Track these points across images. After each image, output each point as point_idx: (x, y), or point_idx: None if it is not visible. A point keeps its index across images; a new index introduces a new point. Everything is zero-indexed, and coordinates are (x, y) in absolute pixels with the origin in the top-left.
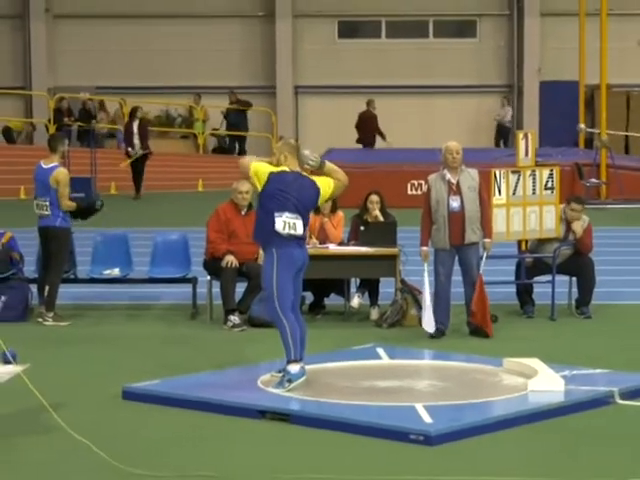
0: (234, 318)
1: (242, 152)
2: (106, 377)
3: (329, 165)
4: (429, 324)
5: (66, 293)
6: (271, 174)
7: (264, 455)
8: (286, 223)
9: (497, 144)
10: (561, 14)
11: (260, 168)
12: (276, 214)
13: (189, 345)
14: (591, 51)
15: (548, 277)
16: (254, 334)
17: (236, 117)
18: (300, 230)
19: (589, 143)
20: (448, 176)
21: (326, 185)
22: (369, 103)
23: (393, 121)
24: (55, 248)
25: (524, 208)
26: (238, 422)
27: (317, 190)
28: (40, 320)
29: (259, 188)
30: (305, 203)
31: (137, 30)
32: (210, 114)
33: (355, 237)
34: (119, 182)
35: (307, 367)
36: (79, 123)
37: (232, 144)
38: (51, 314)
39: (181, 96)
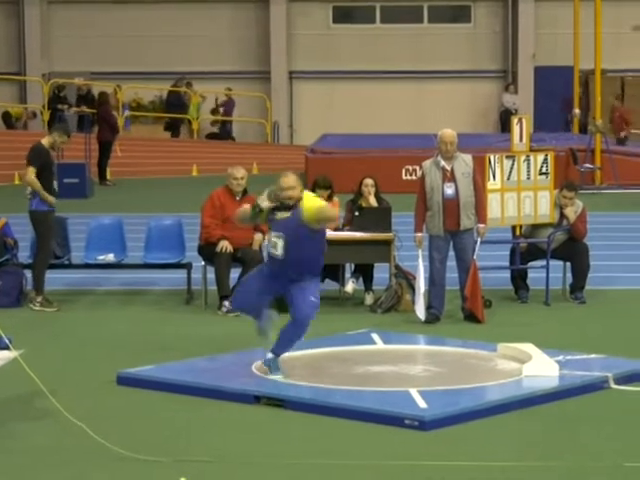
0: (228, 304)
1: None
2: (101, 362)
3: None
4: (421, 311)
5: (60, 279)
6: None
7: (259, 440)
8: None
9: (504, 129)
10: None
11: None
12: None
13: (184, 330)
14: (586, 36)
15: (542, 262)
16: (248, 320)
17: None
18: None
19: (584, 128)
20: (442, 163)
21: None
22: None
23: (387, 106)
24: (37, 232)
25: (518, 193)
26: (233, 407)
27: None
28: (31, 305)
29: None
30: None
31: (132, 16)
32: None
33: (350, 222)
34: (114, 168)
35: (301, 352)
36: (74, 109)
37: (225, 129)
38: (39, 299)
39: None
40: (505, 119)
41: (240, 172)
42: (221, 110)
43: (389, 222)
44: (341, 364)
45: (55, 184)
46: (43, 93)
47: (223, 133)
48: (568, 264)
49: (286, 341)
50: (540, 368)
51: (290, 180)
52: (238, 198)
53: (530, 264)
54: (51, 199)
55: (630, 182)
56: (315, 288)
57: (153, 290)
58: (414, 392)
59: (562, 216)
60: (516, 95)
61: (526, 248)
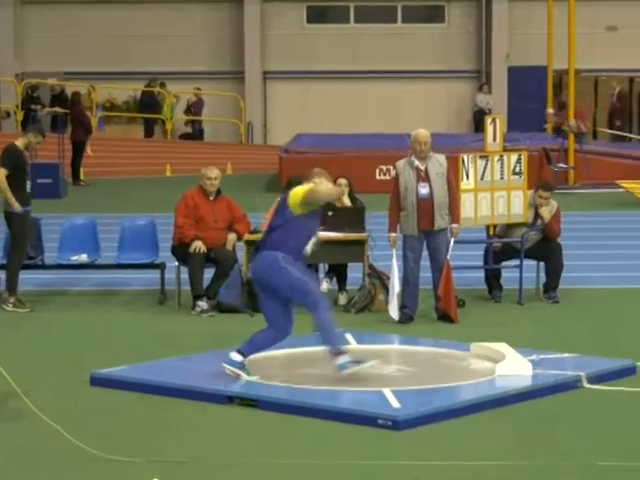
0: (202, 304)
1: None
2: (74, 363)
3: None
4: (394, 311)
5: (34, 279)
6: None
7: (233, 440)
8: None
9: (477, 129)
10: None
11: None
12: None
13: (157, 331)
14: (559, 36)
15: (516, 262)
16: (222, 319)
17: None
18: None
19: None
20: (416, 163)
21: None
22: None
23: (361, 106)
24: (12, 232)
25: (492, 193)
26: (207, 408)
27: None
28: (3, 306)
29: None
30: None
31: (105, 16)
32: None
33: (323, 222)
34: (87, 168)
35: (275, 352)
36: (48, 109)
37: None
38: (12, 299)
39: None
40: (479, 119)
41: (214, 172)
42: (192, 110)
43: (363, 222)
44: (314, 364)
45: (29, 185)
46: (16, 93)
47: (196, 133)
48: (542, 264)
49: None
50: (513, 367)
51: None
52: (212, 198)
53: (504, 264)
54: (17, 205)
55: (603, 181)
56: None
57: (126, 290)
58: (387, 392)
59: (536, 216)
60: (490, 95)
61: (500, 248)
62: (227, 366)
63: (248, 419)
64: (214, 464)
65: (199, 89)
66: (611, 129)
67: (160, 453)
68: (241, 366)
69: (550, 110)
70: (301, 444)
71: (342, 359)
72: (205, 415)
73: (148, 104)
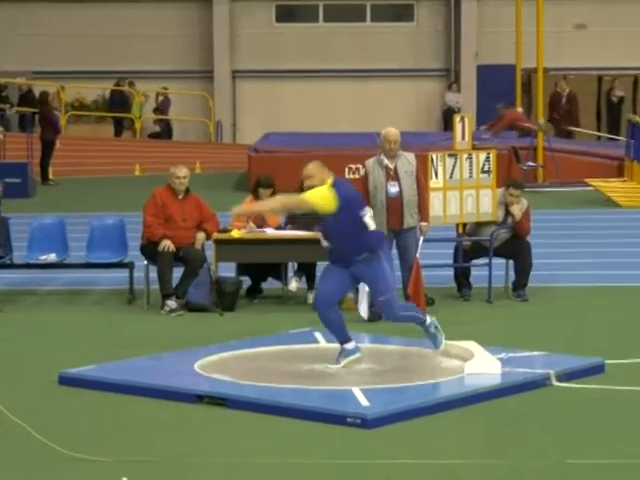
0: (171, 303)
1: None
2: (43, 362)
3: None
4: (364, 310)
5: (2, 279)
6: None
7: (201, 439)
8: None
9: (447, 128)
10: None
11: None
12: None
13: (126, 330)
14: (528, 35)
15: (485, 260)
16: (191, 319)
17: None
18: None
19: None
20: (386, 161)
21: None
22: None
23: (331, 105)
24: None
25: (461, 192)
26: (176, 407)
27: None
28: None
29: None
30: None
31: (74, 15)
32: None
33: (292, 221)
34: (56, 167)
35: (244, 351)
36: (16, 108)
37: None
38: None
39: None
40: (448, 118)
41: (182, 171)
42: (160, 109)
43: None
44: (284, 363)
45: None
46: None
47: (165, 132)
48: (511, 262)
49: None
50: (482, 366)
51: (307, 169)
52: (180, 197)
53: (473, 262)
54: None
55: (572, 180)
56: None
57: (95, 290)
58: (357, 390)
59: (507, 214)
60: (459, 94)
61: (469, 246)
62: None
63: (217, 418)
64: (182, 463)
65: (166, 88)
66: (560, 132)
67: (129, 452)
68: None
69: (519, 109)
70: (270, 443)
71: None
72: (174, 414)
73: (118, 103)
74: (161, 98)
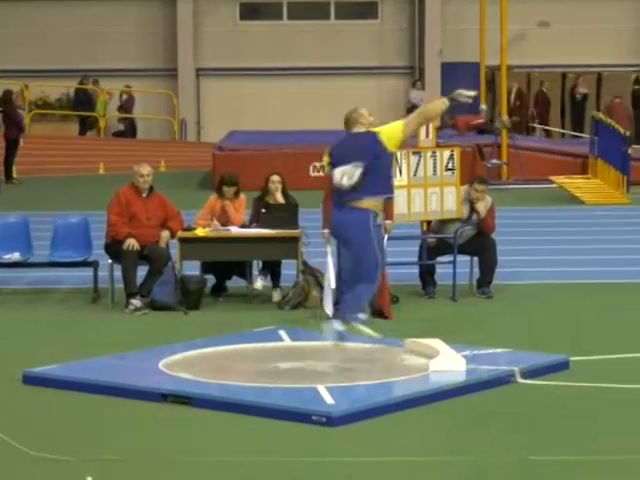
0: (136, 302)
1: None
2: (6, 361)
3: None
4: (329, 307)
5: None
6: None
7: (165, 438)
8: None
9: None
10: None
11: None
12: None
13: (90, 329)
14: (492, 32)
15: (450, 257)
16: (156, 317)
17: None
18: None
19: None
20: None
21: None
22: None
23: (295, 103)
24: None
25: (425, 189)
26: (140, 405)
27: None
28: None
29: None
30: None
31: (37, 13)
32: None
33: (257, 219)
34: (20, 166)
35: (209, 349)
36: None
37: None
38: None
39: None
40: None
41: (146, 169)
42: (124, 107)
43: (296, 219)
44: (249, 361)
45: None
46: None
47: (129, 131)
48: (475, 259)
49: None
50: (447, 363)
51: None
52: (145, 195)
53: (438, 259)
54: None
55: (536, 177)
56: None
57: (60, 289)
58: (322, 388)
59: (471, 211)
60: (423, 91)
61: (434, 244)
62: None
63: (181, 417)
64: (148, 462)
65: (130, 86)
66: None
67: (93, 451)
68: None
69: (483, 106)
70: (234, 441)
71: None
72: (138, 413)
73: (82, 102)
74: (125, 96)
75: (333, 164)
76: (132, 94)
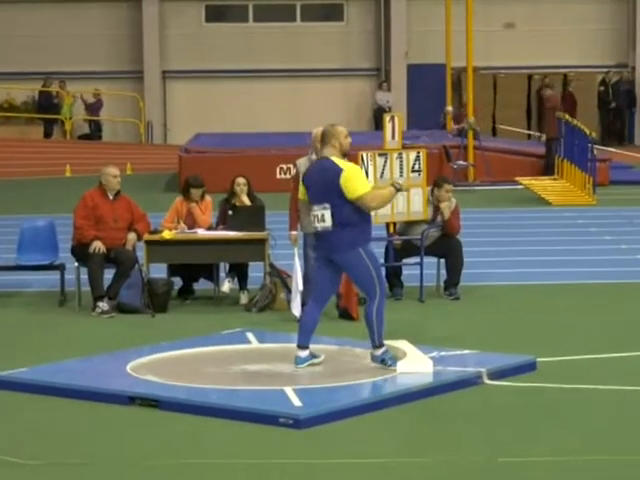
0: (103, 304)
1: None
2: None
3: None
4: (297, 309)
5: None
6: None
7: (133, 441)
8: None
9: (377, 127)
10: None
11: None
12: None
13: (58, 332)
14: (458, 34)
15: (417, 259)
16: (123, 320)
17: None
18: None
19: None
20: None
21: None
22: None
23: (262, 105)
24: None
25: None
26: (108, 409)
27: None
28: None
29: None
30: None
31: (2, 15)
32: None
33: (223, 222)
34: None
35: (176, 352)
36: None
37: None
38: None
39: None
40: (379, 117)
41: (117, 170)
42: (90, 110)
43: (263, 221)
44: (216, 364)
45: None
46: None
47: (94, 133)
48: (442, 261)
49: None
50: (414, 365)
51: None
52: (111, 198)
53: (404, 261)
54: None
55: (502, 178)
56: None
57: (26, 292)
58: (289, 390)
59: (436, 212)
60: (389, 93)
61: (400, 245)
62: (301, 366)
63: (149, 419)
64: (113, 465)
65: (98, 90)
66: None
67: (61, 455)
68: (311, 357)
69: (449, 108)
70: (202, 444)
71: (382, 351)
72: (106, 416)
73: (45, 104)
74: (90, 99)
75: (309, 198)
76: (100, 97)
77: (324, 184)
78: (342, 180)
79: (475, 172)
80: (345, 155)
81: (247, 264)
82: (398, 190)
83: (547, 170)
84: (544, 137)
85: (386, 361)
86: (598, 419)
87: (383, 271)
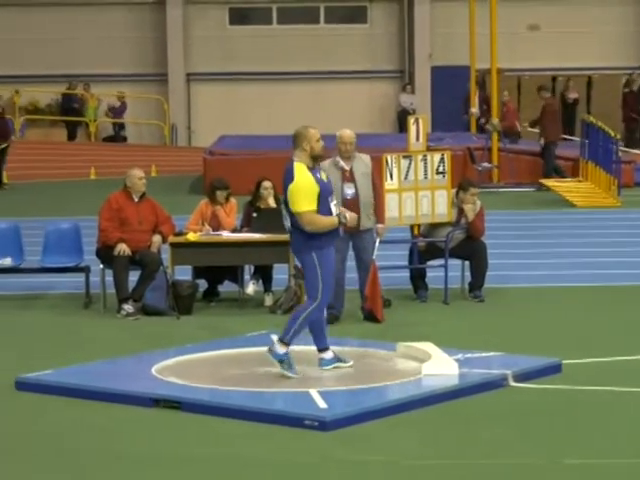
0: (128, 307)
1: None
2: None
3: None
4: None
5: None
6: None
7: (157, 443)
8: None
9: (401, 129)
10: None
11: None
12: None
13: (82, 335)
14: (482, 36)
15: (441, 261)
16: (148, 322)
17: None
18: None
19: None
20: (341, 163)
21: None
22: None
23: (286, 107)
24: None
25: (416, 193)
26: (132, 411)
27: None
28: None
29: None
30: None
31: (27, 19)
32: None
33: (248, 224)
34: (10, 172)
35: (201, 354)
36: None
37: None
38: None
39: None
40: (402, 119)
41: (142, 172)
42: (112, 114)
43: None
44: (241, 366)
45: None
46: None
47: (119, 136)
48: (467, 263)
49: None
50: (439, 367)
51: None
52: (136, 200)
53: (429, 263)
54: None
55: (527, 180)
56: None
57: (51, 294)
58: (314, 392)
59: (460, 215)
60: (413, 95)
61: (425, 247)
62: (327, 368)
63: (172, 421)
64: (138, 466)
65: (122, 92)
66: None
67: (86, 457)
68: (337, 360)
69: (474, 110)
70: (226, 446)
71: (284, 351)
72: (130, 418)
73: (69, 107)
74: (113, 102)
75: None
76: (124, 100)
77: (284, 186)
78: (289, 191)
79: (499, 174)
80: (317, 159)
81: (272, 266)
82: (341, 224)
83: (546, 174)
84: (542, 140)
85: (283, 364)
86: (624, 421)
87: (383, 274)
